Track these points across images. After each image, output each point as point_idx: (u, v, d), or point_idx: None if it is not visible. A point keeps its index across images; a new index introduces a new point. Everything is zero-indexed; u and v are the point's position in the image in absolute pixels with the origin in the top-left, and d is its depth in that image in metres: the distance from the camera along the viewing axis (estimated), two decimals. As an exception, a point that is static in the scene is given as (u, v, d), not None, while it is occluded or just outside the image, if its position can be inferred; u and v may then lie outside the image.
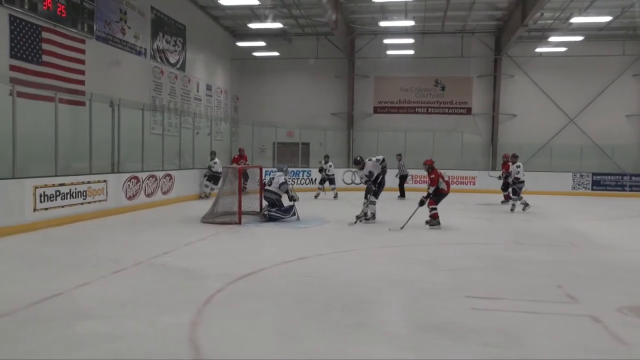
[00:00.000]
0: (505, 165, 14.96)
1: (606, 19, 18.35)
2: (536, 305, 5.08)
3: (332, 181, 16.43)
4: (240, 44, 22.67)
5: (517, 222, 11.40)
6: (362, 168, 10.85)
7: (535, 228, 10.58)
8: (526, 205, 13.17)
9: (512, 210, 13.33)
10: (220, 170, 14.84)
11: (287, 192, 10.80)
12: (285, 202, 10.93)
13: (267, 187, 10.90)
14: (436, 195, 10.14)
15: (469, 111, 23.03)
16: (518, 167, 13.39)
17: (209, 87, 21.23)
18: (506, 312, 4.83)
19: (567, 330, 4.40)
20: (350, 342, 4.02)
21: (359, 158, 11.08)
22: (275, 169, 13.71)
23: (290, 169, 14.65)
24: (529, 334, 4.24)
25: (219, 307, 4.86)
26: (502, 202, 15.04)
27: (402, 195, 16.59)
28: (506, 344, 4.02)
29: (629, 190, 19.17)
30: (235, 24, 22.30)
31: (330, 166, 16.50)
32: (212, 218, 10.38)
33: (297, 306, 4.94)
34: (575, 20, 18.06)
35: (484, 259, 7.31)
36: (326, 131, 22.51)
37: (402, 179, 16.90)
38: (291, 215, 10.65)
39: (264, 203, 11.09)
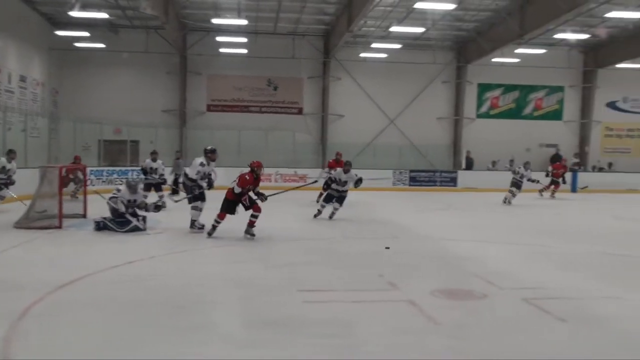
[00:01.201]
0: (329, 164, 15.62)
1: (420, 29, 20.27)
2: (362, 294, 5.49)
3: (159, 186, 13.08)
4: (60, 33, 20.83)
5: (345, 217, 12.10)
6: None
7: (361, 222, 11.32)
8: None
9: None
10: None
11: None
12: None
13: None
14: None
15: (300, 111, 23.82)
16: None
17: (23, 79, 19.17)
18: (337, 303, 5.13)
19: (388, 315, 4.82)
20: (186, 344, 3.97)
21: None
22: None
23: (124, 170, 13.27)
24: (358, 321, 4.57)
25: (37, 319, 4.47)
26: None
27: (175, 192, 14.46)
28: (339, 333, 4.27)
29: (440, 185, 21.42)
30: (54, 11, 20.39)
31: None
32: (27, 223, 9.42)
33: (127, 312, 4.72)
34: (394, 29, 19.77)
35: (314, 253, 7.66)
36: (157, 129, 21.68)
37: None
38: (127, 230, 9.16)
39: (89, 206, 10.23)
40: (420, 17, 19.17)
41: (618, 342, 4.22)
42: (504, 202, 15.80)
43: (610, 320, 4.72)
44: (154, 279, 5.93)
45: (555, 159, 24.09)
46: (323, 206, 11.58)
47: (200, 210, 9.28)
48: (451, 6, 16.96)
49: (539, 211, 14.93)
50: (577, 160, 23.75)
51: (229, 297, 5.33)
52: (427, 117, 24.17)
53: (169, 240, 8.65)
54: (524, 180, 16.02)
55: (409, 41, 22.42)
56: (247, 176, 8.56)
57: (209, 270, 6.52)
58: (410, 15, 18.95)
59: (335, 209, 11.38)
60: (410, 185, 21.20)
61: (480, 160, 23.46)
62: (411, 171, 21.38)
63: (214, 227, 8.59)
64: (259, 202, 8.73)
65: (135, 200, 9.49)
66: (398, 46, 22.16)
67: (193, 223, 9.26)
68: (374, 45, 22.07)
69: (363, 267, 6.74)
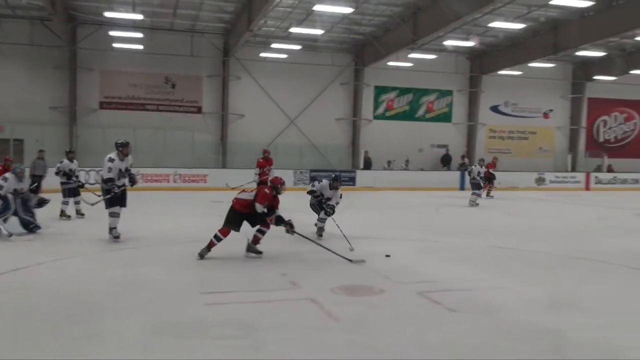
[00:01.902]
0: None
1: (319, 32, 20.62)
2: (265, 294, 5.52)
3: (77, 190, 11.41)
4: None
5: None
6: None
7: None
8: None
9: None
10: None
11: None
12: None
13: None
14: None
15: (199, 110, 23.35)
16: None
17: None
18: (239, 304, 5.12)
19: (290, 313, 4.89)
20: (82, 354, 3.79)
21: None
22: None
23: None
24: (260, 321, 4.60)
25: None
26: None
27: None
28: (240, 334, 4.28)
29: (339, 185, 21.88)
30: None
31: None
32: None
33: (18, 323, 4.42)
34: (294, 30, 19.95)
35: (217, 254, 7.56)
36: (44, 126, 20.33)
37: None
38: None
39: None
40: (319, 19, 19.48)
41: (504, 330, 4.57)
42: (470, 204, 15.57)
43: (496, 310, 5.10)
44: (44, 287, 5.59)
45: (447, 159, 25.57)
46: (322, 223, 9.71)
47: (118, 215, 8.37)
48: (349, 10, 17.42)
49: (434, 209, 15.72)
50: (463, 161, 25.28)
51: (127, 303, 5.14)
52: (327, 118, 24.64)
53: (54, 245, 8.16)
54: (480, 178, 16.16)
55: (309, 43, 22.72)
56: (266, 190, 7.38)
57: (105, 275, 6.24)
58: (309, 17, 19.21)
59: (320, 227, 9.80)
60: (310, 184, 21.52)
61: (377, 160, 24.33)
62: (311, 171, 21.69)
63: (210, 247, 7.17)
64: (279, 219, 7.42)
65: (22, 190, 8.91)
66: (298, 47, 22.41)
67: (111, 230, 8.37)
68: (274, 45, 22.14)
69: (265, 268, 6.78)
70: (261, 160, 14.08)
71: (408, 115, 25.92)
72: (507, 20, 18.95)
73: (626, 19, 16.83)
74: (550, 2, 17.17)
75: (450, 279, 6.27)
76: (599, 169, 27.05)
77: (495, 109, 27.08)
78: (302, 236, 7.60)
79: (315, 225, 9.58)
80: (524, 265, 7.42)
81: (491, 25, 19.29)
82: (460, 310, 5.04)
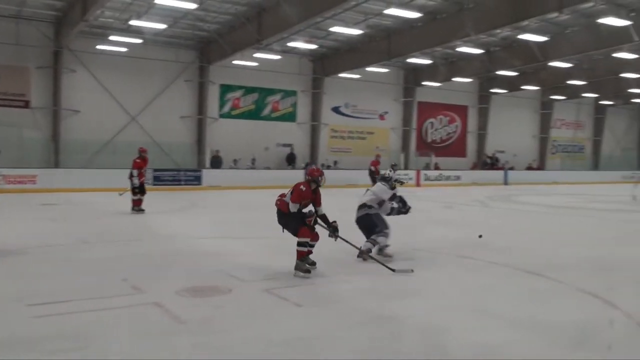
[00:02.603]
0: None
1: (162, 26, 19.90)
2: (104, 301, 5.21)
3: None
4: None
5: (84, 220, 11.29)
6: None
7: (100, 225, 10.70)
8: None
9: None
10: None
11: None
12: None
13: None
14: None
15: (27, 104, 21.23)
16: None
17: None
18: (75, 314, 4.79)
19: (133, 319, 4.70)
20: None
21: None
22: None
23: None
24: (100, 331, 4.35)
25: None
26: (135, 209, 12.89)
27: None
28: (77, 346, 4.01)
29: (185, 184, 21.40)
30: None
31: None
32: None
33: None
34: (135, 23, 18.99)
35: (49, 262, 7.01)
36: None
37: None
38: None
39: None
40: (162, 13, 18.82)
41: (344, 319, 4.84)
42: None
43: (338, 301, 5.40)
44: None
45: (292, 158, 26.22)
46: None
47: None
48: (192, 5, 17.05)
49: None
50: (308, 161, 26.17)
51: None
52: (171, 115, 23.91)
53: None
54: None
55: (151, 37, 21.81)
56: (302, 187, 6.53)
57: None
58: (151, 10, 18.45)
59: None
60: (154, 184, 20.63)
61: (224, 159, 24.17)
62: (155, 170, 20.86)
63: (302, 257, 6.34)
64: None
65: None
66: (139, 41, 21.39)
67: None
68: (112, 37, 20.88)
69: (104, 273, 6.41)
70: (138, 160, 13.01)
71: (254, 114, 26.12)
72: (346, 25, 19.95)
73: (448, 31, 18.68)
74: (385, 12, 18.47)
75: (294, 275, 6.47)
76: (427, 166, 29.67)
77: (336, 110, 28.39)
78: (347, 242, 6.77)
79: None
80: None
81: (332, 29, 20.16)
82: (306, 304, 5.25)
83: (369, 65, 24.49)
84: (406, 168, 28.75)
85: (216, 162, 23.98)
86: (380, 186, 8.12)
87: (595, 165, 37.93)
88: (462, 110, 32.72)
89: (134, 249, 8.07)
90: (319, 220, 6.49)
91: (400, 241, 9.25)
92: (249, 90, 25.91)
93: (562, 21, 20.04)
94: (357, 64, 24.60)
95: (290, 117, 27.19)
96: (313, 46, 23.55)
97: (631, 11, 17.98)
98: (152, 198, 17.19)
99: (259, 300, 5.41)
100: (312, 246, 6.39)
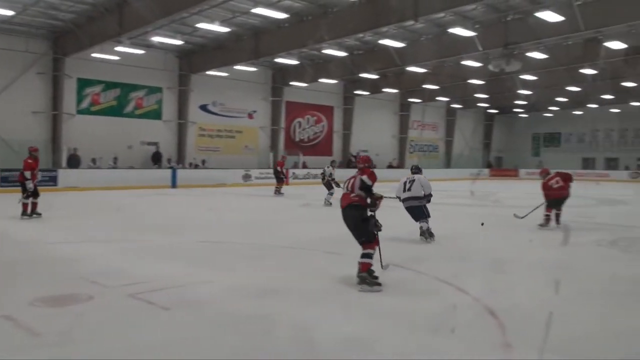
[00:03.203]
0: None
1: (9, 12, 18.16)
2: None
3: None
4: None
5: None
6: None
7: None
8: None
9: None
10: None
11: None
12: None
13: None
14: None
15: None
16: None
17: None
18: None
19: (-21, 336, 4.30)
20: None
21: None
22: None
23: None
24: (-63, 350, 3.92)
25: None
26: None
27: None
28: None
29: (38, 185, 19.63)
30: None
31: None
32: None
33: None
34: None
35: None
36: None
37: None
38: None
39: None
40: (8, -2, 17.23)
41: (213, 321, 4.82)
42: (325, 204, 15.31)
43: (206, 303, 5.34)
44: None
45: (157, 157, 25.31)
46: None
47: None
48: (44, -8, 15.81)
49: (145, 208, 15.45)
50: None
51: None
52: (21, 111, 21.90)
53: None
54: (331, 179, 16.03)
55: (-5, 24, 19.84)
56: (372, 171, 6.12)
57: None
58: (-5, -5, 16.80)
59: None
60: (1, 186, 18.82)
61: (83, 158, 22.70)
62: (2, 170, 19.01)
63: (365, 270, 5.76)
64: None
65: None
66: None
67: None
68: (-53, 22, 18.68)
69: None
70: (30, 161, 11.66)
71: (116, 110, 24.78)
72: (213, 22, 19.68)
73: (313, 33, 19.18)
74: (252, 11, 18.50)
75: (161, 278, 6.29)
76: (295, 165, 30.23)
77: (204, 108, 27.89)
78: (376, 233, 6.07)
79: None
80: (230, 256, 7.90)
81: (198, 26, 19.77)
82: (173, 307, 5.14)
83: (236, 63, 24.38)
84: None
85: (74, 161, 22.40)
86: (425, 180, 9.34)
87: (448, 164, 41.20)
88: (328, 111, 33.78)
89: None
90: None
91: (274, 237, 9.39)
92: (109, 85, 24.52)
93: (418, 29, 21.50)
94: (224, 62, 24.36)
95: (155, 114, 26.19)
96: (179, 42, 22.90)
97: (476, 23, 19.82)
98: (0, 201, 15.68)
99: (123, 306, 5.20)
100: (370, 257, 5.87)
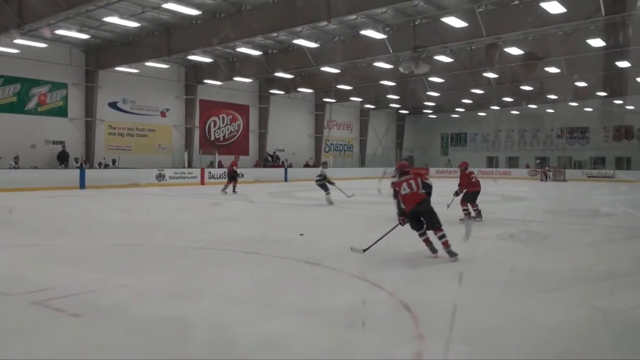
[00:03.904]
0: None
1: None
2: None
3: None
4: None
5: None
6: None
7: None
8: None
9: None
10: None
11: None
12: None
13: None
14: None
15: None
16: None
17: None
18: None
19: None
20: None
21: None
22: None
23: None
24: None
25: None
26: None
27: None
28: None
29: None
30: None
31: None
32: None
33: None
34: None
35: None
36: None
37: None
38: None
39: None
40: None
41: (126, 326, 4.67)
42: (328, 203, 15.48)
43: (118, 307, 5.16)
44: None
45: (64, 156, 24.06)
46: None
47: None
48: None
49: (51, 210, 14.66)
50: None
51: None
52: None
53: None
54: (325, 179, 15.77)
55: None
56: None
57: None
58: None
59: None
60: None
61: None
62: None
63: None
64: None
65: None
66: None
67: None
68: None
69: None
70: None
71: (16, 107, 23.29)
72: (122, 17, 18.97)
73: (227, 31, 19.01)
74: (163, 6, 18.03)
75: (70, 284, 6.01)
76: (211, 164, 29.78)
77: (114, 105, 26.83)
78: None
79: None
80: (142, 259, 7.66)
81: (106, 19, 18.98)
82: (84, 314, 4.94)
83: (147, 60, 23.67)
84: (190, 166, 28.52)
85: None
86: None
87: (362, 163, 42.17)
88: (243, 110, 33.54)
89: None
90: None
91: (187, 238, 9.23)
92: (9, 80, 22.99)
93: (331, 30, 21.88)
94: (135, 58, 23.56)
95: (60, 111, 24.85)
96: (85, 36, 21.85)
97: (386, 26, 20.47)
98: None
99: (28, 314, 4.93)
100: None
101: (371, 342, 4.37)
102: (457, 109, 43.37)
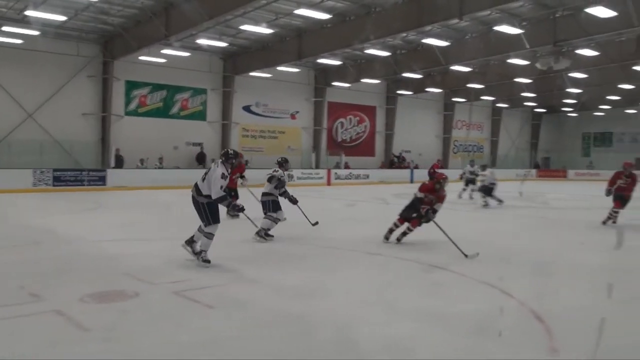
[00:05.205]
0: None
1: (61, 17, 18.79)
2: (0, 310, 4.88)
3: None
4: None
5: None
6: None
7: (-6, 230, 9.99)
8: None
9: None
10: None
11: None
12: None
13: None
14: None
15: None
16: None
17: None
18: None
19: (33, 329, 4.44)
20: None
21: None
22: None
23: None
24: (-8, 342, 4.08)
25: None
26: None
27: None
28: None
29: (88, 185, 20.35)
30: None
31: None
32: None
33: None
34: (31, 13, 17.76)
35: None
36: None
37: None
38: None
39: None
40: (61, 4, 17.86)
41: (256, 320, 4.84)
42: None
43: (250, 301, 5.35)
44: None
45: (202, 157, 25.74)
46: None
47: None
48: (94, -3, 16.28)
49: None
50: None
51: None
52: (72, 112, 22.68)
53: None
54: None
55: (49, 29, 20.48)
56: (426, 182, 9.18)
57: None
58: (48, 1, 17.42)
59: None
60: (54, 185, 19.53)
61: (130, 158, 23.28)
62: (55, 170, 19.74)
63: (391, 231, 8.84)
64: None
65: None
66: (36, 33, 20.04)
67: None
68: (5, 28, 19.45)
69: (-1, 281, 6.00)
70: None
71: (162, 112, 25.35)
72: (257, 24, 19.87)
73: (357, 33, 19.10)
74: (295, 12, 18.58)
75: (205, 276, 6.37)
76: (337, 166, 30.21)
77: (247, 109, 28.19)
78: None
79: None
80: (275, 257, 7.90)
81: (242, 27, 19.99)
82: (218, 305, 5.19)
83: (279, 64, 24.53)
84: (317, 167, 29.12)
85: (118, 162, 23.01)
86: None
87: (493, 164, 40.30)
88: (370, 111, 33.61)
89: (32, 253, 7.61)
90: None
91: (322, 237, 9.38)
92: (156, 87, 25.10)
93: (463, 27, 21.14)
94: (268, 63, 24.56)
95: (200, 115, 26.65)
96: (223, 44, 23.23)
97: (523, 20, 19.32)
98: (53, 200, 16.28)
99: (168, 303, 5.29)
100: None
101: (500, 351, 4.12)
102: (602, 106, 39.87)
